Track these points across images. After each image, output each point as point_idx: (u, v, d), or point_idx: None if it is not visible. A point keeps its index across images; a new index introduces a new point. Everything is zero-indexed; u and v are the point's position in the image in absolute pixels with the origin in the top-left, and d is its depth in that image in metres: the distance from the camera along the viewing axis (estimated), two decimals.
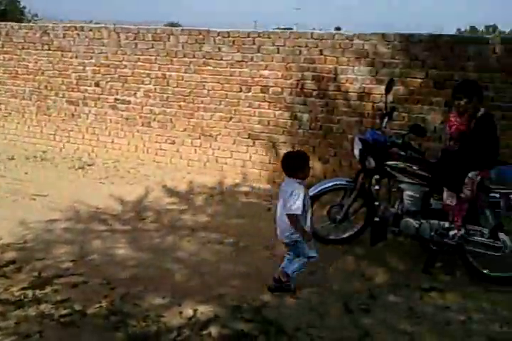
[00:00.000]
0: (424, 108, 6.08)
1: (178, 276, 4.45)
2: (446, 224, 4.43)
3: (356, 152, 4.79)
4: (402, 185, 4.72)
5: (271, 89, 6.81)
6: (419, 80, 6.04)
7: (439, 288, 4.40)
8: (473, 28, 66.03)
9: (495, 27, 65.74)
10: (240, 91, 6.99)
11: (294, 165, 4.12)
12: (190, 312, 3.84)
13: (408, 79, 6.09)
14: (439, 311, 4.04)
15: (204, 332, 3.60)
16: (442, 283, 4.50)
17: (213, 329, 3.64)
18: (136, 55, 7.59)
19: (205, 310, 3.86)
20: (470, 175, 4.27)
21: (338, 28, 44.54)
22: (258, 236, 5.30)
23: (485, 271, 4.52)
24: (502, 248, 4.32)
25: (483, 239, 4.42)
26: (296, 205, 3.96)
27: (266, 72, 6.80)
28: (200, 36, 7.06)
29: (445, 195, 4.40)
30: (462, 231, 4.39)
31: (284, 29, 10.43)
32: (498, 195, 4.34)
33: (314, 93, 6.57)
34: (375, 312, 3.96)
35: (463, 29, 63.69)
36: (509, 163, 4.52)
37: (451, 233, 4.39)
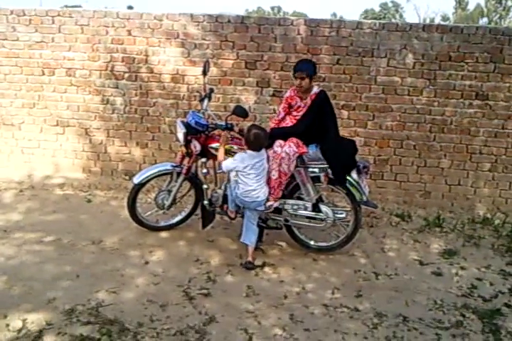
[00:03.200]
0: (237, 88, 6.19)
1: None
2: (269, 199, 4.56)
3: (180, 136, 4.68)
4: None
5: (78, 72, 6.35)
6: (231, 61, 6.11)
7: (271, 263, 4.58)
8: (259, 9, 69.30)
9: (279, 8, 69.78)
10: (43, 75, 6.39)
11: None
12: (18, 323, 3.43)
13: (220, 61, 6.12)
14: (275, 286, 4.19)
15: None
16: (274, 257, 4.69)
17: (49, 339, 3.31)
18: None
19: (35, 319, 3.48)
20: (287, 150, 4.42)
21: (130, 7, 43.58)
22: (81, 231, 4.98)
23: (311, 242, 4.81)
24: (325, 219, 4.62)
25: (307, 212, 4.67)
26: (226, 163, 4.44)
27: (70, 54, 6.30)
28: None
29: None
30: (277, 203, 4.57)
31: (73, 7, 9.73)
32: (317, 170, 4.60)
33: (126, 75, 6.28)
34: (216, 296, 3.96)
35: (250, 10, 67.00)
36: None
37: (268, 204, 4.51)
